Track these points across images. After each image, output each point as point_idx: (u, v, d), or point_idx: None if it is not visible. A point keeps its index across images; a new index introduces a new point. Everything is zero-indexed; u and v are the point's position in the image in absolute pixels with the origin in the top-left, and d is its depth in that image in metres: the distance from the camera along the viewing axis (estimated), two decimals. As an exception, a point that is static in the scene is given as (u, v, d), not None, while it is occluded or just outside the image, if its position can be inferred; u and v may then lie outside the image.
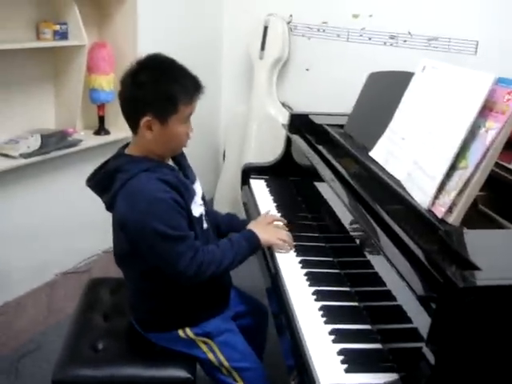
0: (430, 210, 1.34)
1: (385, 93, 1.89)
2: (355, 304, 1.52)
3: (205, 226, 1.72)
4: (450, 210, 1.28)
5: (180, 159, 1.74)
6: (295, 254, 1.77)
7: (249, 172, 2.46)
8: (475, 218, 1.38)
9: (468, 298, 1.02)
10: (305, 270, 1.68)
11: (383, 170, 1.64)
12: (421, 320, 1.14)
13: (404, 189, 1.48)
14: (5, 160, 2.51)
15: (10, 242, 2.70)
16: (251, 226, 1.82)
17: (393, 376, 1.22)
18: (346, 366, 1.27)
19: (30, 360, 2.40)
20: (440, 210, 1.30)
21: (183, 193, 1.58)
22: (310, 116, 2.33)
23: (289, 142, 2.44)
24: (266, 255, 1.82)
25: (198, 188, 1.73)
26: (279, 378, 1.75)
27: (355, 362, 1.28)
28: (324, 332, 1.39)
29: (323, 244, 1.85)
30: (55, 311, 2.75)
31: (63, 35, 2.65)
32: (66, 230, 2.98)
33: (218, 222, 1.90)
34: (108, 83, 2.84)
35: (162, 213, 1.50)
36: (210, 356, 1.70)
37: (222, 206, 3.66)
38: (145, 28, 2.95)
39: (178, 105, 1.53)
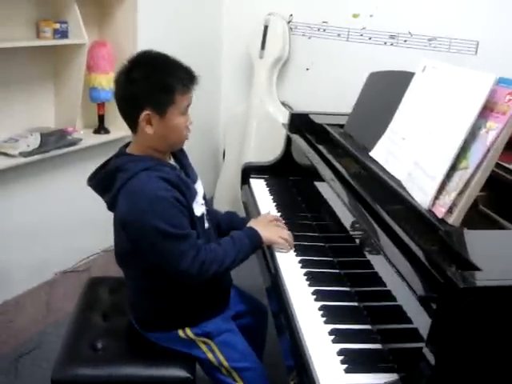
0: (430, 211, 1.34)
1: (385, 93, 1.89)
2: (355, 304, 1.52)
3: (206, 225, 1.72)
4: (450, 210, 1.28)
5: (181, 158, 1.74)
6: (295, 253, 1.77)
7: (249, 171, 2.46)
8: (475, 218, 1.38)
9: (468, 298, 1.01)
10: (304, 270, 1.68)
11: (383, 169, 1.64)
12: (421, 320, 1.14)
13: (404, 189, 1.48)
14: (4, 159, 2.50)
15: (9, 241, 2.70)
16: (252, 223, 1.82)
17: (393, 376, 1.22)
18: (345, 366, 1.26)
19: (29, 359, 2.40)
20: (440, 211, 1.30)
21: (184, 192, 1.58)
22: (310, 115, 2.33)
23: (289, 141, 2.43)
24: (265, 255, 1.81)
25: (199, 187, 1.73)
26: (279, 378, 1.75)
27: (355, 362, 1.27)
28: (324, 332, 1.39)
29: (323, 244, 1.84)
30: (55, 310, 2.74)
31: (63, 34, 2.64)
32: (65, 229, 2.98)
33: (218, 221, 1.90)
34: (108, 82, 2.83)
35: (163, 211, 1.50)
36: (210, 356, 1.70)
37: (221, 206, 3.66)
38: (145, 26, 2.95)
39: (175, 94, 1.54)
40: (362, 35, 3.29)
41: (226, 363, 1.70)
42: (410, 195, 1.44)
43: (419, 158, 1.48)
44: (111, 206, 1.62)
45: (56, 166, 2.85)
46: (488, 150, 1.23)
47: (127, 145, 1.68)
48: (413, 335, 1.17)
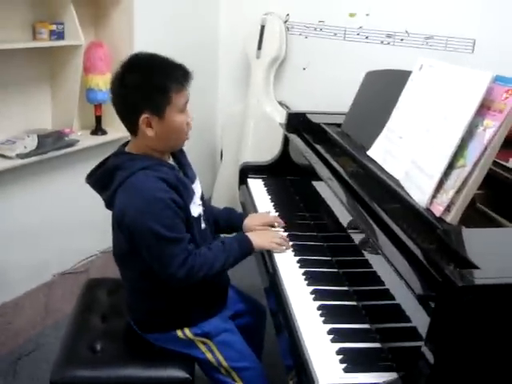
0: (428, 209, 1.34)
1: (382, 92, 1.89)
2: (354, 303, 1.52)
3: (203, 226, 1.72)
4: (448, 208, 1.28)
5: (180, 157, 1.74)
6: (293, 253, 1.77)
7: (246, 171, 2.46)
8: (473, 216, 1.38)
9: (467, 296, 1.02)
10: (303, 270, 1.68)
11: (381, 168, 1.64)
12: (420, 319, 1.14)
13: (402, 188, 1.48)
14: (1, 160, 2.50)
15: (7, 243, 2.70)
16: (248, 220, 1.85)
17: (392, 375, 1.22)
18: (344, 365, 1.26)
19: (28, 361, 2.40)
20: (438, 209, 1.30)
21: (182, 192, 1.58)
22: (307, 115, 2.33)
23: (286, 141, 2.43)
24: (264, 254, 1.81)
25: (197, 187, 1.73)
26: (278, 377, 1.75)
27: (354, 362, 1.27)
28: (322, 331, 1.39)
29: (321, 243, 1.84)
30: (53, 312, 2.74)
31: (59, 35, 2.64)
32: (63, 231, 2.98)
33: (216, 217, 1.90)
34: (105, 83, 2.83)
35: (159, 212, 1.50)
36: (209, 356, 1.70)
37: (219, 205, 3.63)
38: (141, 27, 2.94)
39: (170, 94, 1.53)
40: (358, 34, 3.29)
41: (224, 363, 1.70)
42: (407, 194, 1.44)
43: (417, 156, 1.48)
44: (109, 204, 1.62)
45: (53, 168, 2.85)
46: (485, 148, 1.23)
47: (126, 144, 1.68)
48: (412, 334, 1.18)
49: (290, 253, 1.77)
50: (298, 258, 1.74)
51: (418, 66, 1.67)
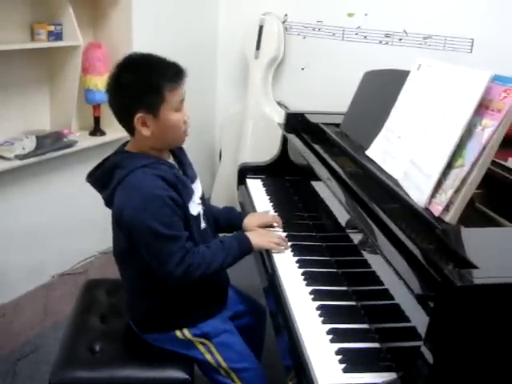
0: (426, 209, 1.34)
1: (380, 91, 1.89)
2: (353, 303, 1.52)
3: (202, 225, 1.72)
4: (446, 208, 1.28)
5: (181, 157, 1.74)
6: (292, 253, 1.77)
7: (245, 172, 2.46)
8: (472, 216, 1.38)
9: (465, 296, 1.01)
10: (302, 270, 1.68)
11: (380, 168, 1.64)
12: (419, 319, 1.14)
13: (401, 187, 1.48)
14: (0, 162, 2.49)
15: (6, 244, 2.70)
16: (248, 219, 1.87)
17: (391, 375, 1.22)
18: (344, 365, 1.26)
19: (27, 362, 2.40)
20: (437, 209, 1.30)
21: (181, 190, 1.58)
22: (305, 115, 2.33)
23: (285, 141, 2.43)
24: (262, 255, 1.81)
25: (197, 187, 1.73)
26: (277, 378, 1.74)
27: (353, 362, 1.27)
28: (322, 332, 1.39)
29: (320, 243, 1.84)
30: (52, 313, 2.74)
31: (58, 36, 2.64)
32: (62, 231, 2.97)
33: (216, 216, 1.90)
34: (103, 84, 2.78)
35: (157, 210, 1.51)
36: (208, 357, 1.70)
37: (218, 205, 3.64)
38: (139, 27, 2.94)
39: (163, 92, 1.53)
40: (357, 34, 3.29)
41: (224, 364, 1.70)
42: (406, 194, 1.44)
43: (415, 156, 1.47)
44: (108, 203, 1.62)
45: (52, 169, 2.84)
46: (484, 148, 1.23)
47: (126, 143, 1.69)
48: (411, 334, 1.17)
49: (288, 253, 1.77)
50: (296, 258, 1.74)
51: (417, 66, 1.67)
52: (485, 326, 1.05)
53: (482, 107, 1.27)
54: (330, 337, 1.37)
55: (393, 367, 1.25)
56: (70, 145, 2.77)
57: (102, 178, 1.63)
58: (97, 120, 2.99)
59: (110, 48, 2.88)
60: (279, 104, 3.61)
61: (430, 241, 1.23)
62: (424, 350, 1.07)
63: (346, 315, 1.46)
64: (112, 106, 1.60)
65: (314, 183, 1.99)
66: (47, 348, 2.44)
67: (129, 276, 1.75)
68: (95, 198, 1.68)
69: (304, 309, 1.49)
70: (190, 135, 1.66)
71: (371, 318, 1.43)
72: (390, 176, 1.57)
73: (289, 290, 1.58)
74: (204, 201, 1.78)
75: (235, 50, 3.74)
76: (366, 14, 3.24)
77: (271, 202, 2.21)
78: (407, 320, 1.22)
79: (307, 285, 1.60)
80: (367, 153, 1.76)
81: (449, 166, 1.31)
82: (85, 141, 2.90)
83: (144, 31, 2.99)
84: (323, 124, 2.17)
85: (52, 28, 2.61)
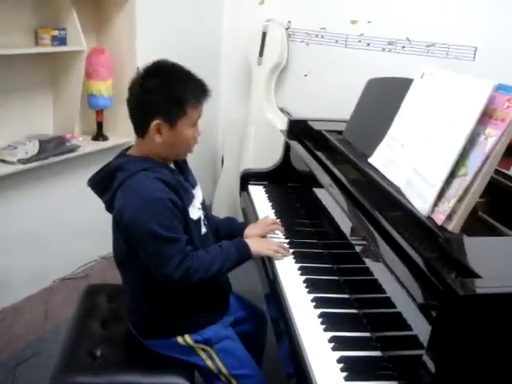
0: (429, 217, 1.34)
1: (383, 99, 1.89)
2: (355, 311, 1.52)
3: (203, 230, 1.72)
4: (449, 217, 1.28)
5: (182, 165, 1.75)
6: (294, 260, 1.77)
7: (247, 178, 2.46)
8: (475, 225, 1.38)
9: (468, 305, 1.01)
10: (304, 277, 1.67)
11: (382, 176, 1.64)
12: (421, 328, 1.14)
13: (403, 196, 1.48)
14: (3, 166, 2.50)
15: (8, 248, 2.70)
16: (249, 229, 1.86)
17: (393, 384, 1.22)
18: (345, 373, 1.26)
19: (27, 366, 2.39)
20: (440, 217, 1.30)
21: (181, 194, 1.59)
22: (308, 122, 2.33)
23: (287, 147, 2.43)
24: (264, 261, 1.81)
25: (198, 193, 1.73)
26: (278, 385, 1.74)
27: (355, 370, 1.27)
28: (323, 339, 1.39)
29: (322, 250, 1.84)
30: (53, 317, 2.74)
31: (62, 41, 2.65)
32: (64, 236, 2.97)
33: (217, 226, 1.90)
34: (106, 89, 2.84)
35: (157, 212, 1.51)
36: (209, 363, 1.69)
37: (220, 212, 3.65)
38: (143, 34, 2.95)
39: (187, 108, 1.56)
40: (360, 41, 3.30)
41: (225, 371, 1.69)
42: (409, 202, 1.44)
43: (418, 164, 1.47)
44: (109, 207, 1.62)
45: (54, 173, 2.85)
46: (487, 157, 1.23)
47: (127, 149, 1.69)
48: (413, 343, 1.17)
49: (290, 260, 1.77)
50: (298, 265, 1.74)
51: (420, 74, 1.67)
52: (487, 336, 1.05)
53: (486, 116, 1.27)
54: (332, 345, 1.36)
55: (394, 376, 1.25)
56: (73, 149, 2.78)
57: (103, 182, 1.63)
58: (99, 125, 2.99)
59: (113, 53, 2.89)
60: (282, 110, 3.62)
61: (432, 249, 1.23)
62: (426, 359, 1.07)
63: (348, 323, 1.46)
64: (130, 107, 1.60)
65: (316, 190, 1.99)
66: (47, 352, 2.44)
67: (129, 280, 1.75)
68: (97, 202, 1.68)
69: (306, 316, 1.49)
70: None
71: (373, 326, 1.42)
72: (392, 184, 1.56)
73: (290, 297, 1.57)
74: (205, 207, 1.78)
75: (238, 56, 3.75)
76: (369, 22, 3.24)
77: (273, 208, 2.21)
78: (409, 329, 1.22)
79: (309, 292, 1.60)
80: (370, 160, 1.76)
81: (452, 175, 1.31)
82: (87, 145, 2.90)
83: (148, 37, 3.00)
84: (326, 131, 2.18)
85: (56, 33, 2.62)
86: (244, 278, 1.99)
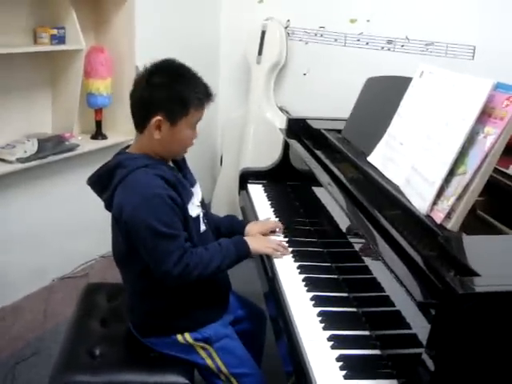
0: (428, 216, 1.34)
1: (382, 98, 1.89)
2: (354, 310, 1.52)
3: (202, 228, 1.72)
4: (448, 215, 1.28)
5: (180, 163, 1.75)
6: (293, 259, 1.77)
7: (246, 177, 2.46)
8: (474, 223, 1.38)
9: (467, 304, 1.01)
10: (303, 276, 1.68)
11: (381, 175, 1.64)
12: (420, 326, 1.14)
13: (402, 194, 1.48)
14: (1, 165, 2.50)
15: (7, 247, 2.70)
16: (249, 226, 1.88)
17: (392, 382, 1.22)
18: (344, 372, 1.26)
19: (26, 365, 2.39)
20: (439, 216, 1.30)
21: (180, 191, 1.60)
22: (307, 121, 2.33)
23: (286, 146, 2.43)
24: (263, 260, 1.81)
25: (197, 191, 1.74)
26: (278, 383, 1.74)
27: (354, 369, 1.27)
28: (322, 338, 1.39)
29: (321, 249, 1.84)
30: (52, 316, 2.73)
31: (60, 39, 2.64)
32: (63, 235, 2.97)
33: (217, 225, 1.91)
34: (105, 88, 2.84)
35: (156, 209, 1.52)
36: (209, 362, 1.69)
37: (219, 211, 3.64)
38: (142, 32, 2.95)
39: (190, 109, 1.57)
40: (359, 40, 3.30)
41: (224, 369, 1.69)
42: (408, 200, 1.44)
43: (417, 163, 1.48)
44: (109, 205, 1.63)
45: (53, 172, 2.85)
46: (486, 156, 1.23)
47: (126, 147, 1.70)
48: (412, 341, 1.17)
49: (289, 259, 1.77)
50: (297, 263, 1.74)
51: (419, 73, 1.67)
52: (486, 334, 1.05)
53: (485, 115, 1.27)
54: (331, 343, 1.37)
55: (394, 374, 1.25)
56: (72, 148, 2.77)
57: (102, 180, 1.63)
58: (98, 124, 2.99)
59: (112, 52, 2.89)
60: (281, 109, 3.61)
61: (431, 248, 1.23)
62: (425, 357, 1.07)
63: (347, 322, 1.46)
64: (133, 100, 1.61)
65: (315, 189, 1.99)
66: (47, 351, 2.43)
67: (129, 278, 1.75)
68: (96, 201, 1.68)
69: (305, 315, 1.49)
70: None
71: (372, 324, 1.43)
72: (391, 182, 1.57)
73: (289, 296, 1.57)
74: (204, 205, 1.78)
75: (237, 55, 3.75)
76: (368, 21, 3.24)
77: (272, 207, 2.21)
78: (408, 327, 1.22)
79: (308, 291, 1.60)
80: (369, 159, 1.76)
81: (451, 173, 1.31)
82: (86, 144, 2.90)
83: (147, 36, 3.00)
84: (325, 130, 2.18)
85: (55, 31, 2.62)
86: (243, 277, 1.99)
